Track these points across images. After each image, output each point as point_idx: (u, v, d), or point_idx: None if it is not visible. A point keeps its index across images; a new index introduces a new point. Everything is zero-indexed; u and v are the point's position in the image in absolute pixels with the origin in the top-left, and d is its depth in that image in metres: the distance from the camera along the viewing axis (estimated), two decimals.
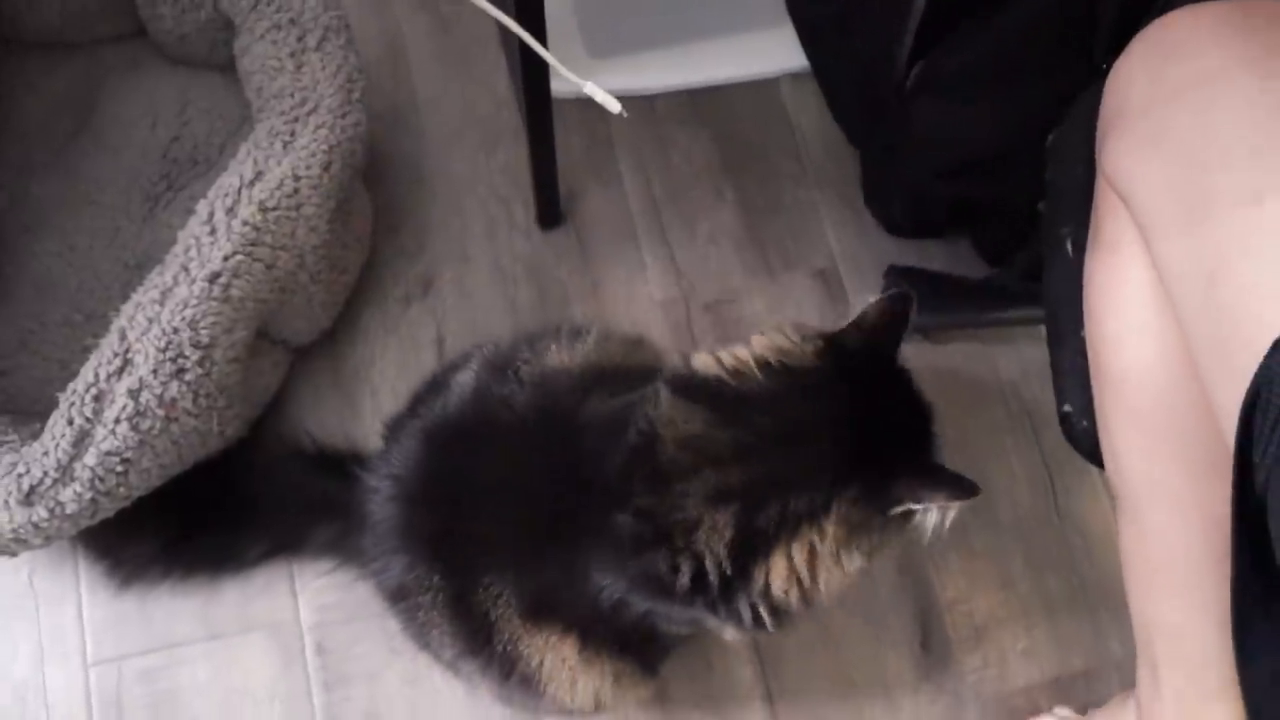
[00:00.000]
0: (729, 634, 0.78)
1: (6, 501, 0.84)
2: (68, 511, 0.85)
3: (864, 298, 1.14)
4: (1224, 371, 0.53)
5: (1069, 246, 0.74)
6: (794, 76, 1.24)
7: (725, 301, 1.14)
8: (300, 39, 0.95)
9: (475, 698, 0.99)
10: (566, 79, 0.67)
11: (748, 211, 1.18)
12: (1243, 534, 0.52)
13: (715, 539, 0.68)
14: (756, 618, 0.72)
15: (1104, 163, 0.66)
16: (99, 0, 1.06)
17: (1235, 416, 0.50)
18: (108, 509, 0.88)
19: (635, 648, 0.79)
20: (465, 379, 0.82)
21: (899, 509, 0.68)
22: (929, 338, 1.14)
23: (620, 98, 1.15)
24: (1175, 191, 0.58)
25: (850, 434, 0.70)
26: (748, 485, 0.69)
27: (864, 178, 1.14)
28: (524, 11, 0.74)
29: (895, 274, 1.13)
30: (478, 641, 0.78)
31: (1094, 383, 0.71)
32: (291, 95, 0.92)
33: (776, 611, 0.71)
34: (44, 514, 0.85)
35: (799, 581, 0.70)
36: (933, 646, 1.03)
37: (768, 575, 0.69)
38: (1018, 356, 1.14)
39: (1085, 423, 0.74)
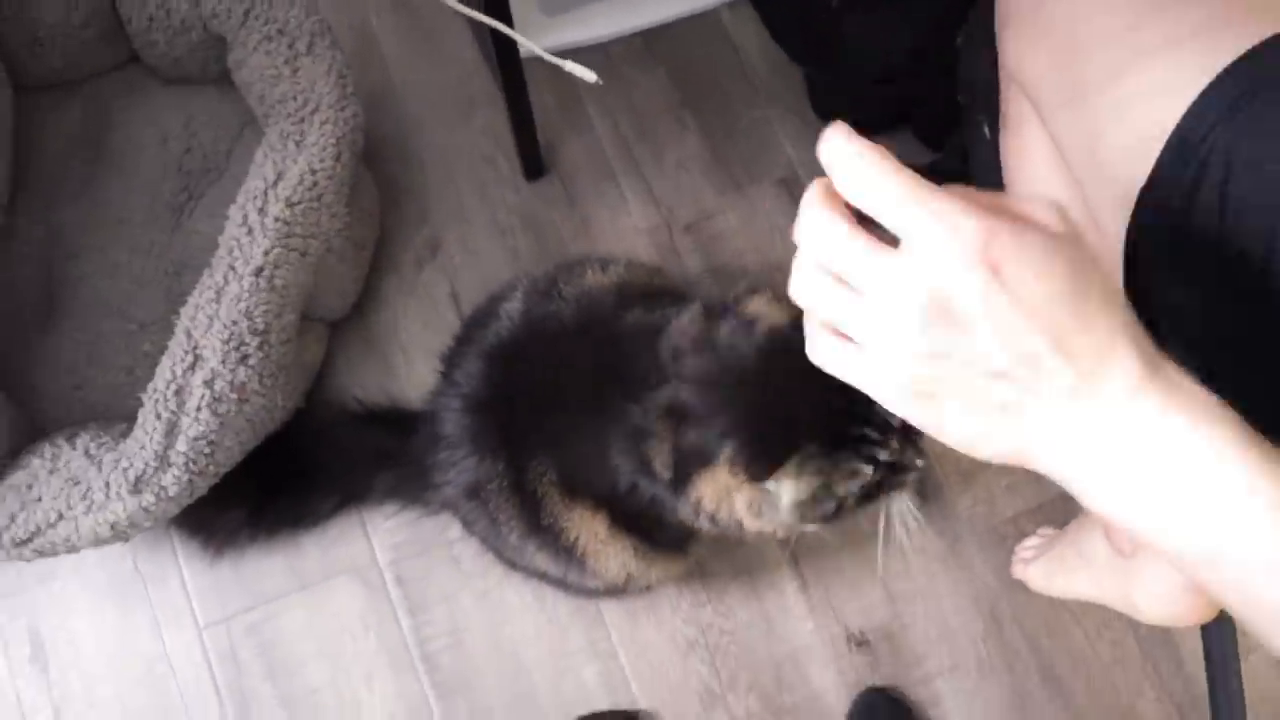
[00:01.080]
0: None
1: (119, 493, 0.97)
2: (170, 494, 0.98)
3: None
4: (1112, 218, 0.65)
5: (985, 130, 0.86)
6: (732, 6, 1.34)
7: (702, 220, 1.27)
8: (291, 46, 1.05)
9: (539, 603, 1.13)
10: (545, 58, 0.78)
11: (709, 136, 1.30)
12: None
13: (663, 444, 0.80)
14: (700, 520, 0.83)
15: (1003, 56, 0.78)
16: (95, 36, 1.15)
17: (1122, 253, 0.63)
18: (201, 487, 1.01)
19: (652, 526, 0.91)
20: (513, 305, 0.94)
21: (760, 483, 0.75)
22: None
23: (577, 48, 1.27)
24: (1058, 76, 0.70)
25: (752, 401, 0.75)
26: (688, 408, 0.78)
27: (809, 90, 1.25)
28: (490, 8, 0.85)
29: None
30: (531, 519, 0.91)
31: None
32: (294, 99, 1.03)
33: (715, 521, 0.82)
34: (151, 499, 0.98)
35: (721, 507, 0.80)
36: (928, 494, 1.18)
37: (698, 490, 0.80)
38: None
39: None
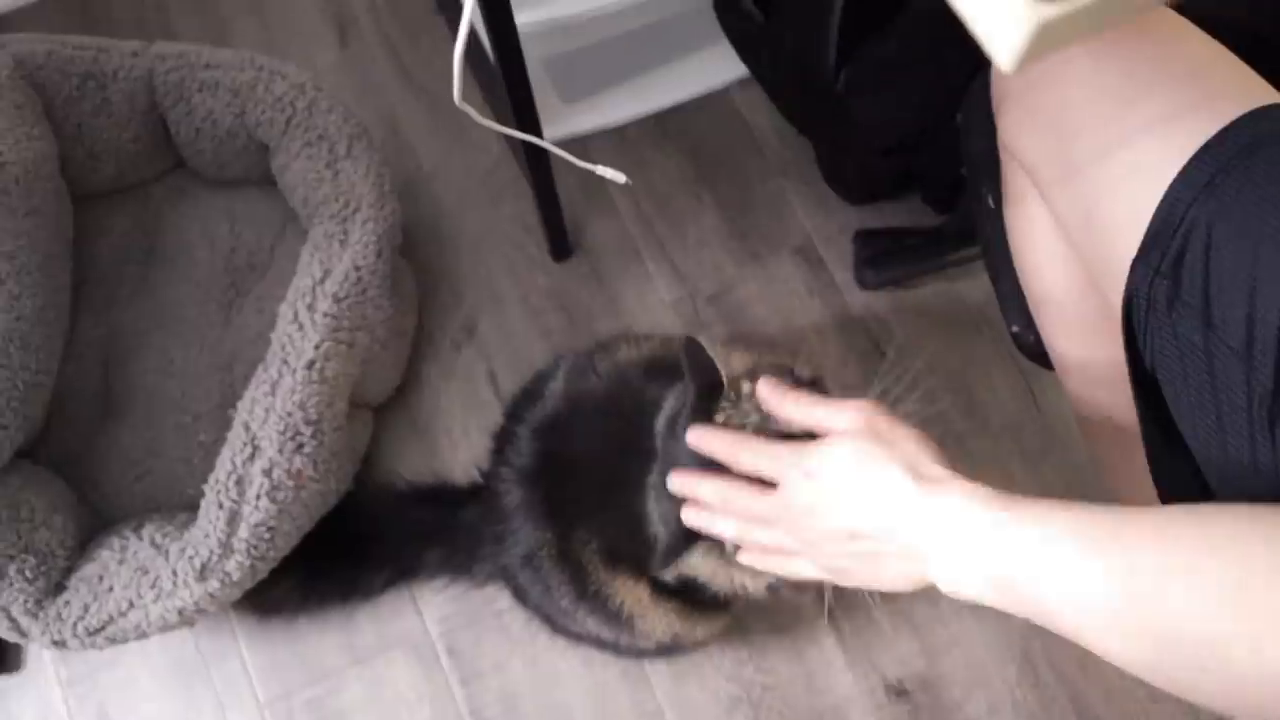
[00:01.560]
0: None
1: (186, 580, 1.02)
2: (235, 580, 1.03)
3: (842, 264, 1.32)
4: (1109, 284, 0.71)
5: (990, 201, 0.91)
6: (741, 83, 1.41)
7: (724, 291, 1.32)
8: (331, 150, 1.12)
9: (587, 668, 1.18)
10: (578, 164, 0.84)
11: (727, 210, 1.36)
12: (1142, 399, 0.70)
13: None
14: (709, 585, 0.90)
15: (1000, 135, 0.83)
16: (146, 147, 1.23)
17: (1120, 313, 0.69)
18: (263, 571, 1.06)
19: (691, 593, 0.95)
20: (556, 383, 1.00)
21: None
22: (901, 286, 1.31)
23: (594, 133, 1.34)
24: (1051, 155, 0.75)
25: None
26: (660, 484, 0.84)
27: (819, 161, 1.32)
28: (520, 110, 0.92)
29: (861, 237, 1.31)
30: (579, 587, 0.96)
31: (1030, 305, 0.89)
32: (336, 200, 1.10)
33: (719, 588, 0.89)
34: (216, 585, 1.03)
35: (717, 575, 0.87)
36: None
37: (689, 561, 0.86)
38: (981, 286, 1.32)
39: (1031, 336, 0.92)
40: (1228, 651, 0.50)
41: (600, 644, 1.08)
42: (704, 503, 0.78)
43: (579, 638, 1.10)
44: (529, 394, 1.04)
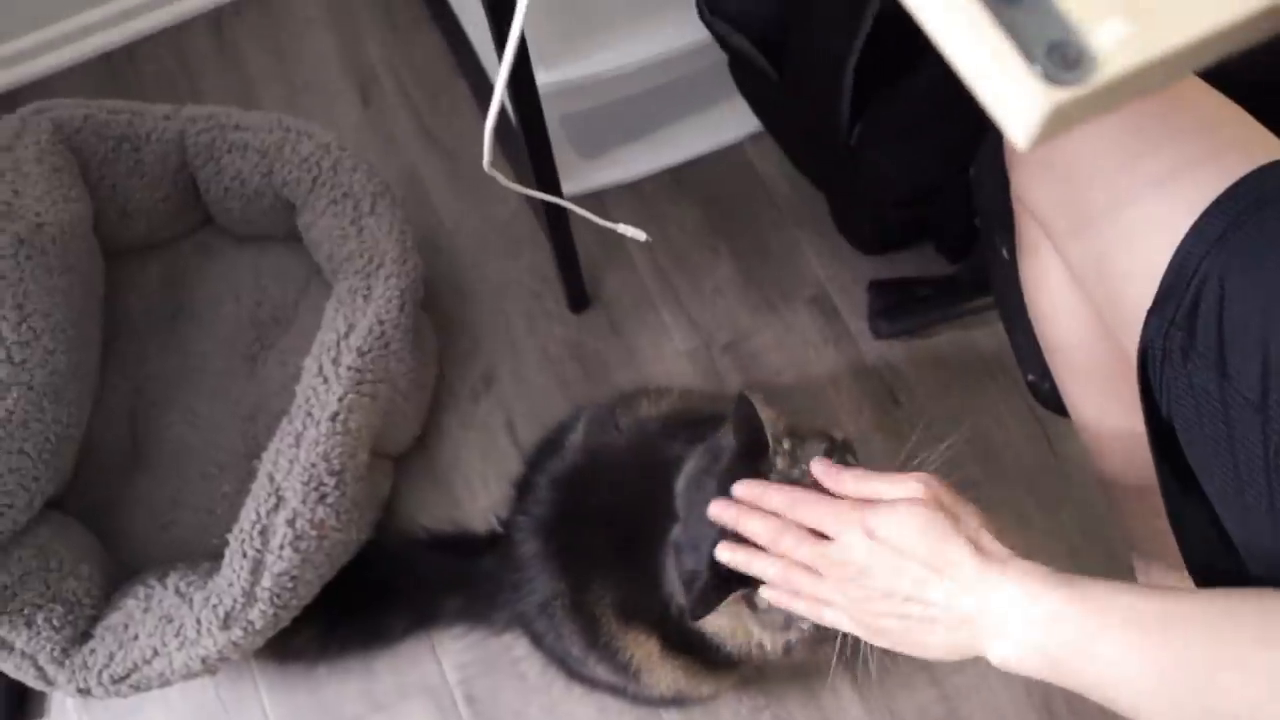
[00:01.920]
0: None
1: (209, 629, 1.03)
2: (258, 628, 1.04)
3: (856, 313, 1.34)
4: (1124, 333, 0.72)
5: (1004, 252, 0.93)
6: (754, 137, 1.43)
7: (739, 341, 1.34)
8: (356, 208, 1.15)
9: (603, 716, 1.18)
10: (599, 223, 0.87)
11: (742, 261, 1.38)
12: (1159, 448, 0.71)
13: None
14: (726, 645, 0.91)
15: (1013, 187, 0.85)
16: (176, 206, 1.26)
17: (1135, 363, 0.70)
18: (285, 619, 1.07)
19: (704, 651, 0.96)
20: (576, 436, 1.02)
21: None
22: (915, 335, 1.33)
23: (611, 188, 1.36)
24: (1063, 207, 0.77)
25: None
26: (680, 543, 0.87)
27: (832, 212, 1.34)
28: (540, 171, 0.94)
29: (876, 287, 1.33)
30: (590, 637, 0.98)
31: (1045, 354, 0.90)
32: (360, 256, 1.12)
33: (738, 648, 0.90)
34: (239, 633, 1.04)
35: (737, 633, 0.88)
36: None
37: (712, 620, 0.87)
38: (995, 334, 1.33)
39: (1047, 384, 0.93)
40: None
41: (612, 690, 1.09)
42: (749, 539, 0.78)
43: (593, 683, 1.10)
44: (549, 444, 1.06)
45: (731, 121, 1.42)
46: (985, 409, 1.30)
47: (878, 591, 0.70)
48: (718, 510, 0.80)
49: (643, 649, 0.97)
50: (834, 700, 1.18)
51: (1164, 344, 0.67)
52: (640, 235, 0.85)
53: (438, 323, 1.34)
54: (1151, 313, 0.68)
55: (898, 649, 0.72)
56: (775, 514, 0.77)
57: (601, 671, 1.02)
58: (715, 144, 1.43)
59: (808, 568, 0.74)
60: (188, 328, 1.29)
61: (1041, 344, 0.90)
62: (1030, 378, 0.96)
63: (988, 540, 0.68)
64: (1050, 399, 0.94)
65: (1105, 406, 0.86)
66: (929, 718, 1.17)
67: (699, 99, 1.41)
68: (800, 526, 0.75)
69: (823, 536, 0.74)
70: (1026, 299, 0.89)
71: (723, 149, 1.44)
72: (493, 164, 0.74)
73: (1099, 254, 0.73)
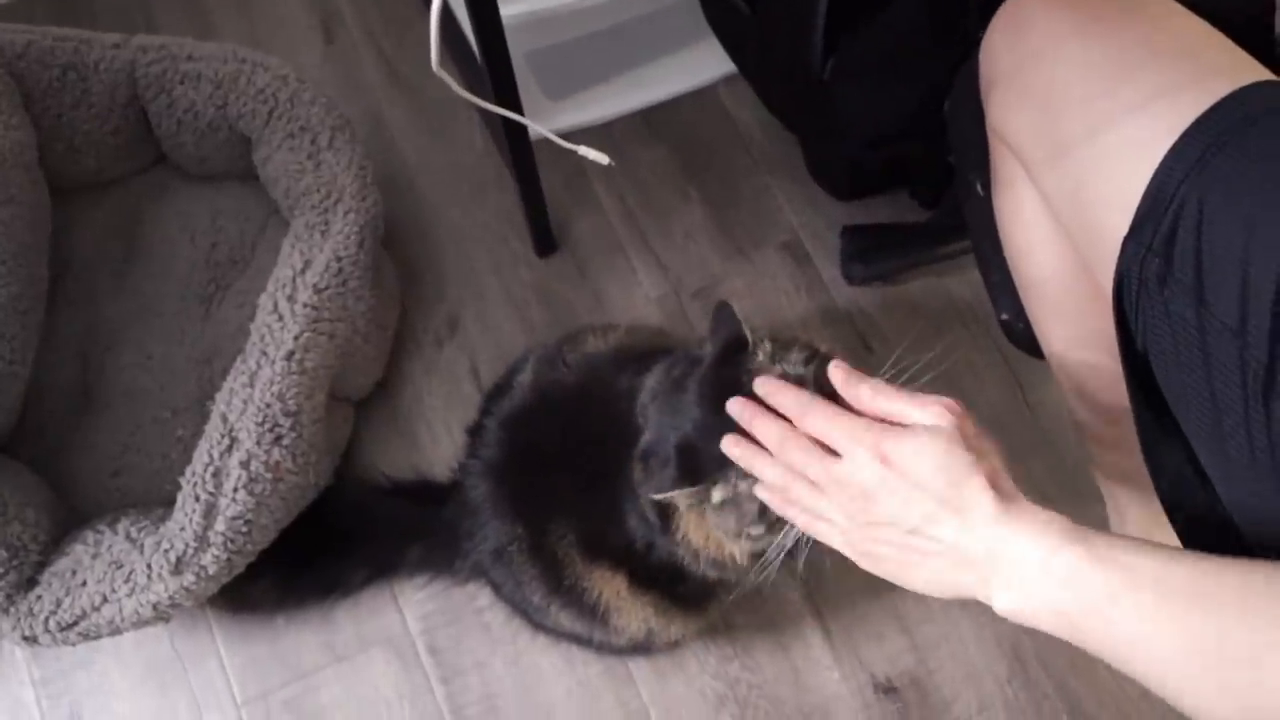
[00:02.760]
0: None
1: (160, 574, 1.00)
2: (210, 573, 1.01)
3: (829, 260, 1.32)
4: (1100, 264, 0.70)
5: (978, 188, 0.91)
6: (728, 79, 1.40)
7: (709, 286, 1.31)
8: (313, 142, 1.11)
9: (569, 666, 1.16)
10: (559, 143, 0.84)
11: (713, 205, 1.35)
12: (1134, 381, 0.69)
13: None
14: (699, 564, 0.88)
15: (989, 118, 0.83)
16: (128, 140, 1.21)
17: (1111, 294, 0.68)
18: (240, 565, 1.05)
19: (671, 584, 0.94)
20: (524, 376, 1.00)
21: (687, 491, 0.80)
22: (888, 282, 1.31)
23: (581, 129, 1.33)
24: (1040, 135, 0.74)
25: (686, 429, 0.80)
26: (649, 449, 0.83)
27: (805, 156, 1.31)
28: (501, 91, 0.91)
29: (849, 232, 1.30)
30: (553, 580, 0.95)
31: (1019, 291, 0.88)
32: (317, 191, 1.09)
33: (709, 560, 0.86)
34: (192, 579, 1.01)
35: (708, 541, 0.85)
36: None
37: (682, 529, 0.84)
38: (967, 281, 1.31)
39: (1021, 324, 0.91)
40: None
41: (575, 640, 1.07)
42: (757, 440, 0.74)
43: (557, 634, 1.09)
44: (500, 388, 1.03)
45: (704, 63, 1.38)
46: (957, 355, 1.28)
47: (881, 518, 0.66)
48: (737, 407, 0.74)
49: (610, 586, 0.94)
50: (804, 649, 1.16)
51: (1140, 271, 0.65)
52: (602, 158, 0.82)
53: (401, 266, 1.31)
54: (1128, 239, 0.66)
55: (885, 576, 0.68)
56: (784, 418, 0.72)
57: (565, 619, 1.00)
58: (687, 86, 1.39)
59: (815, 483, 0.70)
60: (141, 268, 1.25)
61: (1016, 280, 0.88)
62: (1004, 317, 0.94)
63: (1007, 483, 0.64)
64: (1024, 339, 0.92)
65: (1080, 344, 0.84)
66: (898, 667, 1.16)
67: (671, 39, 1.37)
68: (808, 437, 0.70)
69: (832, 451, 0.69)
70: (1001, 234, 0.87)
71: (695, 91, 1.40)
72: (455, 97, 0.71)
73: (1076, 182, 0.71)
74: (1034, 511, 0.62)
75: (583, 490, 0.91)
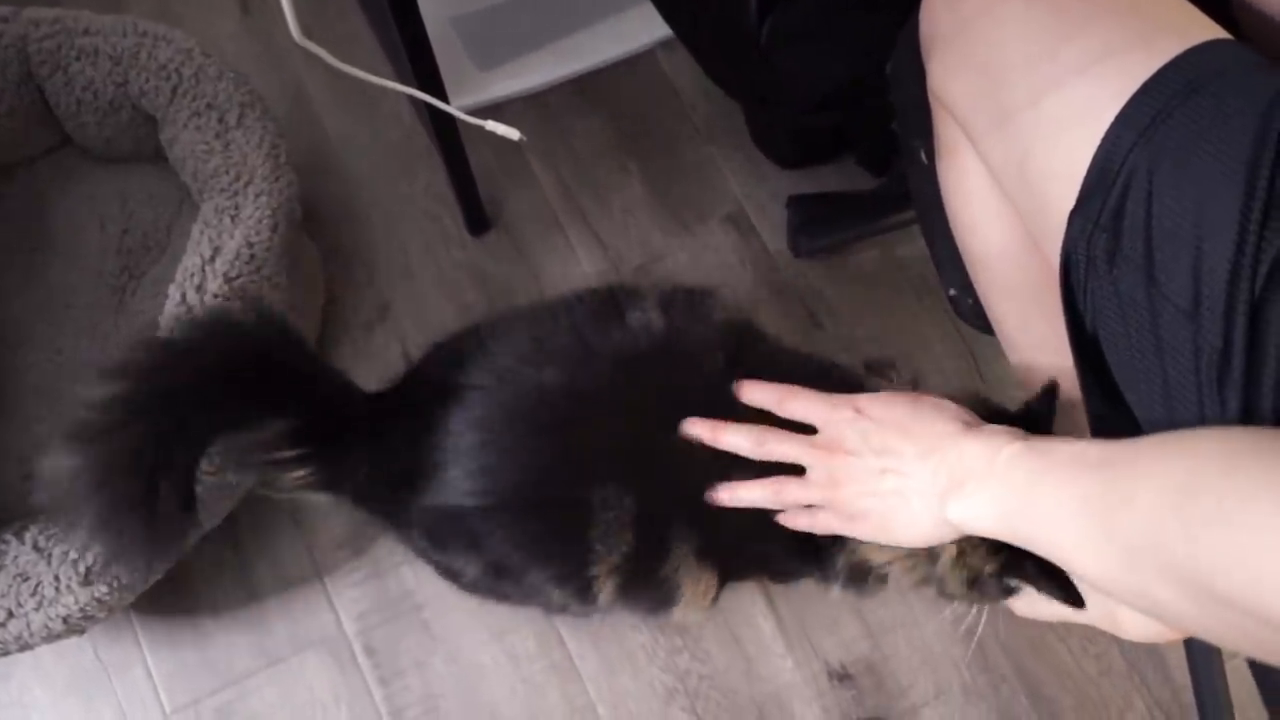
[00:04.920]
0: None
1: (69, 585, 0.94)
2: (124, 582, 0.96)
3: (775, 232, 1.27)
4: (1048, 240, 0.65)
5: (922, 155, 0.86)
6: (665, 44, 1.34)
7: (651, 262, 1.26)
8: (221, 120, 1.04)
9: (513, 663, 1.11)
10: (468, 120, 0.78)
11: (653, 178, 1.30)
12: (1084, 363, 0.64)
13: None
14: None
15: (930, 83, 0.78)
16: (25, 122, 1.14)
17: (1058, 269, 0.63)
18: (158, 572, 0.99)
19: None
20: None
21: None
22: (837, 253, 1.26)
23: (513, 99, 1.26)
24: (982, 100, 0.69)
25: None
26: None
27: (748, 124, 1.25)
28: (417, 62, 0.85)
29: (795, 203, 1.25)
30: (635, 570, 0.79)
31: (966, 265, 0.83)
32: (227, 173, 1.02)
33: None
34: (104, 589, 0.95)
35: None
36: None
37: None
38: (921, 251, 1.26)
39: (970, 300, 0.87)
40: (1172, 553, 0.50)
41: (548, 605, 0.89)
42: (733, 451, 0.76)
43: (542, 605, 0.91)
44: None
45: (640, 27, 1.32)
46: (911, 329, 1.24)
47: (861, 471, 0.70)
48: (694, 430, 0.76)
49: (701, 586, 0.82)
50: (755, 638, 1.13)
51: (1088, 248, 0.60)
52: (513, 134, 0.76)
53: (327, 248, 1.24)
54: (1074, 213, 0.61)
55: (873, 536, 0.72)
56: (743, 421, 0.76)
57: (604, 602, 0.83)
58: (624, 51, 1.33)
59: (794, 473, 0.74)
60: (49, 258, 1.18)
61: (963, 255, 0.83)
62: (952, 292, 0.89)
63: (971, 416, 0.69)
64: (973, 315, 0.87)
65: (1030, 322, 0.79)
66: (853, 653, 1.12)
67: (606, 2, 1.31)
68: (779, 428, 0.74)
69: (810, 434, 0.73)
70: (946, 206, 0.82)
71: (632, 57, 1.34)
72: (378, 70, 0.63)
73: (1021, 152, 0.66)
74: (990, 428, 0.67)
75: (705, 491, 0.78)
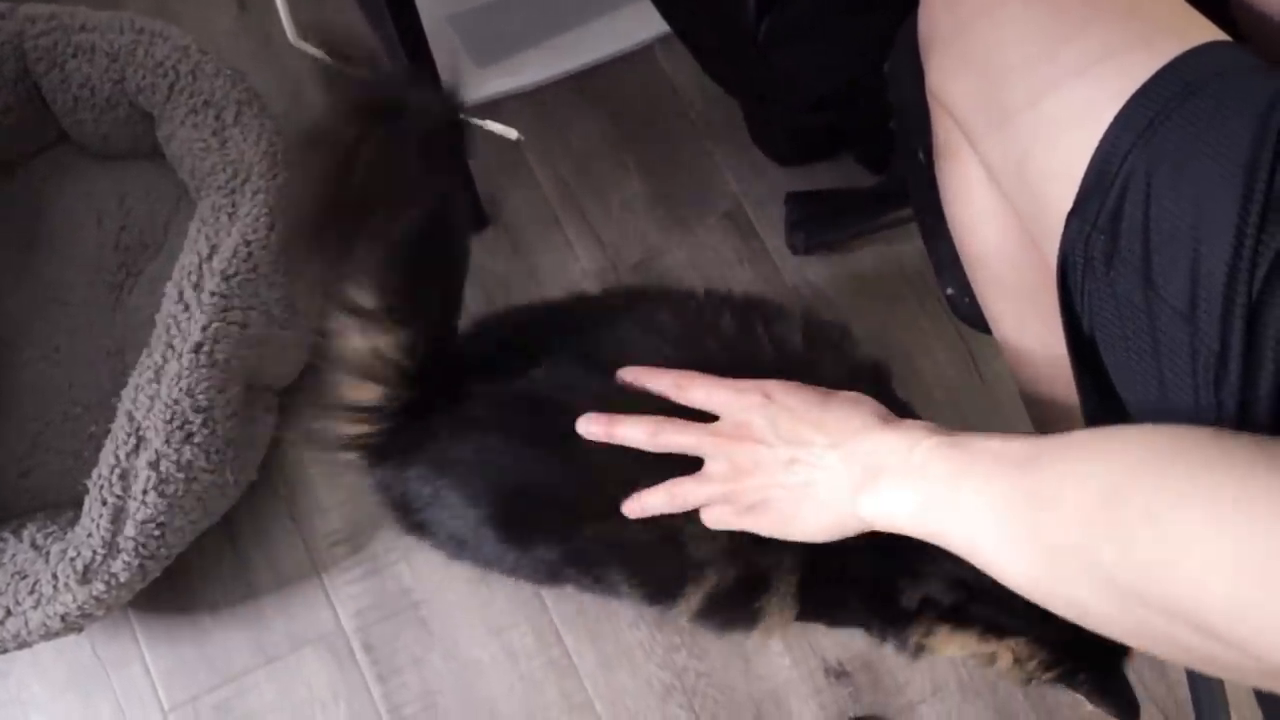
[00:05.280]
0: None
1: (67, 584, 0.94)
2: (121, 580, 0.96)
3: (773, 229, 1.27)
4: (1046, 240, 0.65)
5: (920, 155, 0.85)
6: (664, 40, 1.33)
7: (649, 259, 1.26)
8: (218, 117, 1.04)
9: (510, 660, 1.11)
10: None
11: (651, 174, 1.29)
12: (1080, 365, 0.64)
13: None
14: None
15: (929, 83, 0.78)
16: (23, 119, 1.14)
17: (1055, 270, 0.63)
18: (155, 570, 0.99)
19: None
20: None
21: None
22: (835, 250, 1.26)
23: (510, 96, 1.26)
24: (981, 100, 0.69)
25: None
26: None
27: (747, 121, 1.25)
28: (414, 60, 0.84)
29: (793, 200, 1.25)
30: (729, 595, 0.76)
31: (964, 265, 0.83)
32: (224, 170, 1.02)
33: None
34: (101, 587, 0.95)
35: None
36: None
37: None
38: (918, 248, 1.26)
39: (967, 299, 0.87)
40: (1098, 555, 0.49)
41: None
42: (629, 445, 0.70)
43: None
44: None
45: (639, 22, 1.31)
46: (909, 327, 1.24)
47: (768, 459, 0.67)
48: (584, 427, 0.70)
49: (783, 618, 0.78)
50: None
51: (1085, 250, 0.60)
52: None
53: None
54: (1071, 215, 0.61)
55: (774, 531, 0.68)
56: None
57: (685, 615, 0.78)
58: (622, 47, 1.32)
59: (698, 449, 0.69)
60: (45, 255, 1.18)
61: (961, 255, 0.83)
62: (949, 292, 0.89)
63: (887, 412, 0.67)
64: (970, 314, 0.87)
65: (1028, 323, 0.79)
66: (850, 650, 1.13)
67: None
68: (675, 418, 0.70)
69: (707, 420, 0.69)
70: (944, 206, 0.82)
71: (631, 54, 1.33)
72: (302, 37, 0.61)
73: (1020, 153, 0.66)
74: (908, 422, 0.65)
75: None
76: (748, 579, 0.74)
